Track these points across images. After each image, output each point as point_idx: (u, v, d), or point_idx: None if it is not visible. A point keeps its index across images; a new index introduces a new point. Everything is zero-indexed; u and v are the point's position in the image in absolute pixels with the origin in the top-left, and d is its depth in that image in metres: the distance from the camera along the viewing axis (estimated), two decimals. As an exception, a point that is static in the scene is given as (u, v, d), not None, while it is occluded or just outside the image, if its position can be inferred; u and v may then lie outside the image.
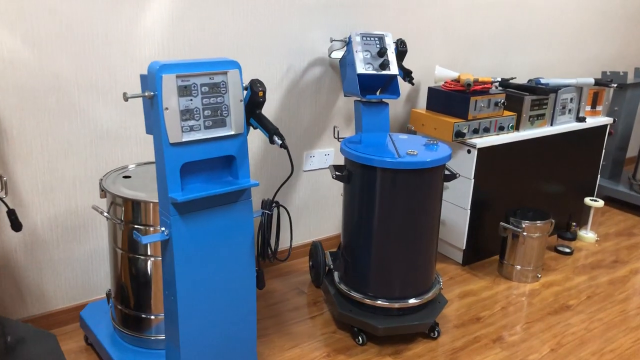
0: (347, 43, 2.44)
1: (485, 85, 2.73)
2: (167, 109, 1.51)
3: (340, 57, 2.55)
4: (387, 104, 2.42)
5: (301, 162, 2.69)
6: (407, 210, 2.08)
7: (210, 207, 1.64)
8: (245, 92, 1.68)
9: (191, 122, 1.56)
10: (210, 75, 1.58)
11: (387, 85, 2.50)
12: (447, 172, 2.20)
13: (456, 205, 2.81)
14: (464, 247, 2.84)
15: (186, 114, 1.55)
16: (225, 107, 1.62)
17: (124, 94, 1.48)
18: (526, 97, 2.83)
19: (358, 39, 2.39)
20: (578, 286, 2.73)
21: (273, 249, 1.84)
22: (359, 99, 2.40)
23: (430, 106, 2.86)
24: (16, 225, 1.69)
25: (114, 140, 2.16)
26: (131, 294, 1.91)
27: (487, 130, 2.74)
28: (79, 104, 2.05)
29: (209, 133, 1.60)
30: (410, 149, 2.08)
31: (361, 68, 2.34)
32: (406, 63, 2.89)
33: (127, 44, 2.09)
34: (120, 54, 2.08)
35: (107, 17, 2.02)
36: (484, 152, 2.68)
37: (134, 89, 2.14)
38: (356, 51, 2.37)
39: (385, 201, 2.08)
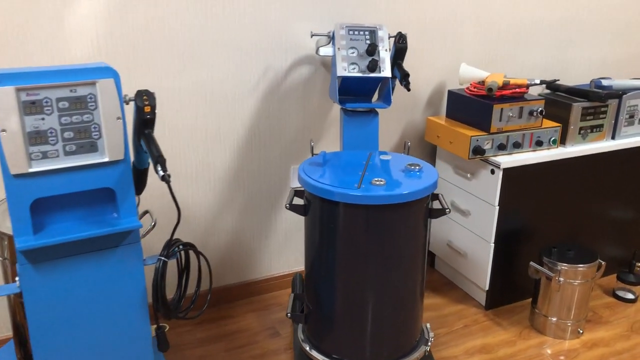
0: (331, 38, 1.99)
1: (517, 90, 2.16)
2: (4, 131, 1.17)
3: (330, 54, 2.11)
4: (376, 113, 1.96)
5: (287, 178, 2.28)
6: (376, 253, 1.63)
7: (79, 253, 1.30)
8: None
9: (44, 148, 1.22)
10: (71, 87, 1.22)
11: (381, 90, 2.03)
12: (435, 207, 1.71)
13: (478, 236, 2.28)
14: (487, 288, 2.30)
15: (36, 137, 1.20)
16: (95, 127, 1.26)
17: (-54, 112, 1.15)
18: (575, 104, 2.23)
19: (342, 32, 1.94)
20: (634, 349, 2.12)
21: (175, 303, 1.47)
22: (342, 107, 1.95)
23: (450, 114, 2.34)
24: None
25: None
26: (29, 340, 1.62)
27: (517, 145, 2.18)
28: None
29: (71, 160, 1.25)
30: (378, 178, 1.61)
31: (342, 69, 1.89)
32: (426, 60, 2.38)
33: (50, 41, 1.78)
34: (42, 53, 1.78)
35: (23, 8, 1.72)
36: (512, 173, 2.14)
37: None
38: (338, 48, 1.92)
39: (348, 242, 1.63)
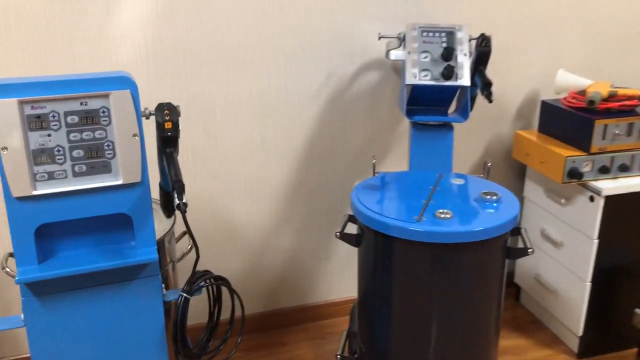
0: (402, 40, 1.74)
1: (627, 102, 1.81)
2: (5, 149, 1.04)
3: (402, 58, 1.86)
4: (451, 128, 1.69)
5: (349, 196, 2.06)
6: (440, 295, 1.37)
7: (90, 286, 1.15)
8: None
9: (50, 168, 1.08)
10: (81, 100, 1.07)
11: (459, 100, 1.76)
12: (515, 245, 1.42)
13: (572, 272, 1.94)
14: (580, 333, 1.96)
15: (41, 155, 1.06)
16: (108, 145, 1.10)
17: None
18: (701, 120, 1.84)
19: (415, 34, 1.69)
20: None
21: (201, 345, 1.29)
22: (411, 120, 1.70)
23: (542, 128, 2.01)
24: None
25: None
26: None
27: (625, 168, 1.82)
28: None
29: (81, 182, 1.10)
30: (444, 209, 1.35)
31: (412, 76, 1.64)
32: (517, 65, 2.07)
33: (97, 45, 1.67)
34: (89, 58, 1.67)
35: (69, 11, 1.62)
36: (616, 201, 1.79)
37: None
38: (409, 52, 1.67)
39: (406, 282, 1.39)
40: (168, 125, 1.12)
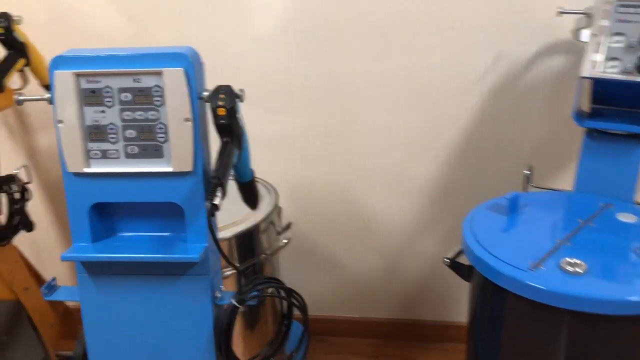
0: (592, 17, 1.32)
1: None
2: (61, 121, 1.01)
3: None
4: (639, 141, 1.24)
5: (515, 206, 1.69)
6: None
7: (141, 273, 1.08)
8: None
9: (104, 146, 1.02)
10: (134, 76, 0.98)
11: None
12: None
13: None
14: None
15: (96, 132, 1.01)
16: (160, 128, 1.00)
17: (17, 97, 1.04)
18: None
19: (607, 8, 1.26)
20: None
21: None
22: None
23: None
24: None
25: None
26: None
27: None
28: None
29: (132, 165, 1.02)
30: (577, 259, 0.96)
31: (591, 66, 1.23)
32: None
33: (236, 16, 1.59)
34: (226, 28, 1.61)
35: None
36: None
37: (242, 77, 1.64)
38: (594, 33, 1.26)
39: (515, 344, 1.05)
40: (221, 111, 0.97)
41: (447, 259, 1.17)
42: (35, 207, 1.79)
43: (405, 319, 1.90)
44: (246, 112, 1.67)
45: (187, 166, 1.01)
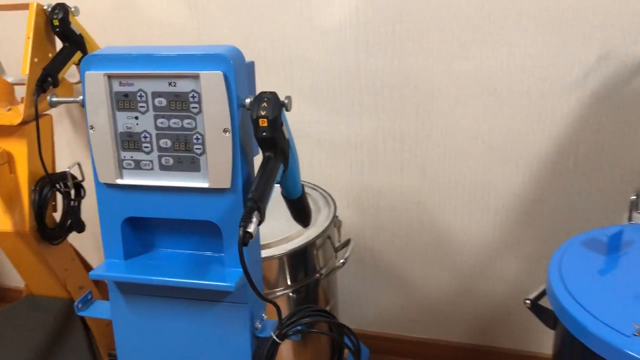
0: None
1: None
2: (92, 127, 0.91)
3: None
4: None
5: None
6: None
7: (175, 297, 0.98)
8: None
9: (137, 155, 0.92)
10: (170, 79, 0.87)
11: None
12: None
13: None
14: None
15: (129, 140, 0.91)
16: (197, 139, 0.89)
17: (50, 97, 0.96)
18: None
19: None
20: None
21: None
22: None
23: None
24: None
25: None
26: None
27: None
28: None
29: (167, 178, 0.92)
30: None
31: None
32: None
33: (305, 9, 1.45)
34: (293, 21, 1.47)
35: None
36: None
37: (306, 73, 1.50)
38: None
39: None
40: (263, 122, 0.84)
41: (528, 300, 0.98)
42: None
43: (480, 345, 1.71)
44: (310, 112, 1.55)
45: (225, 183, 0.89)
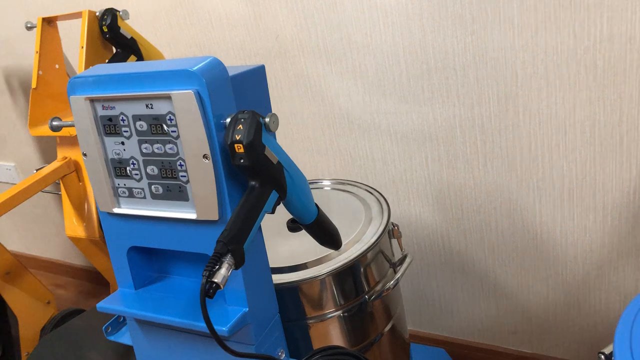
0: None
1: None
2: (85, 154, 0.86)
3: None
4: None
5: None
6: None
7: (180, 330, 0.91)
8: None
9: (130, 183, 0.85)
10: (146, 101, 0.78)
11: None
12: None
13: None
14: None
15: (119, 167, 0.85)
16: (181, 165, 0.79)
17: (51, 121, 0.92)
18: None
19: None
20: None
21: None
22: None
23: None
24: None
25: (358, 129, 1.45)
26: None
27: None
28: (307, 74, 1.44)
29: (158, 207, 0.84)
30: None
31: None
32: None
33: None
34: (353, 1, 1.30)
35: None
36: None
37: (367, 58, 1.32)
38: None
39: None
40: (238, 148, 0.71)
41: (602, 354, 0.76)
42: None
43: (591, 364, 1.45)
44: (377, 102, 1.38)
45: (213, 214, 0.78)
